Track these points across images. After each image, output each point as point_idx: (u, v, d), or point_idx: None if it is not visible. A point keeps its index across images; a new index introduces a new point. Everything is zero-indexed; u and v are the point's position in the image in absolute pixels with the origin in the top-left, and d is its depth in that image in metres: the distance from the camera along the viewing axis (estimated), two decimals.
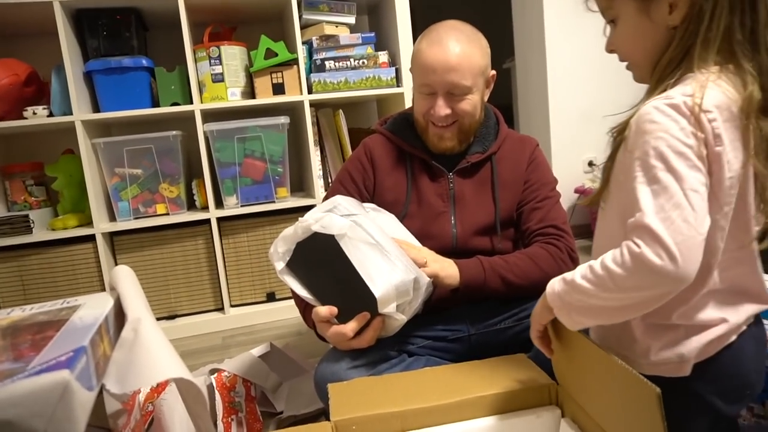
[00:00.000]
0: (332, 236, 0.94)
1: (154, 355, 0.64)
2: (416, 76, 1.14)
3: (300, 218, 0.99)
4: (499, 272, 1.08)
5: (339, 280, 0.96)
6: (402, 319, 0.96)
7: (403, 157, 1.23)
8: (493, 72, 1.18)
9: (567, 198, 2.68)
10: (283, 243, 1.00)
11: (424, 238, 1.15)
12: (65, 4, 1.74)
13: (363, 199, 1.21)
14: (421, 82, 1.12)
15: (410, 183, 1.21)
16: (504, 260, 1.11)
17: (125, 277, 0.80)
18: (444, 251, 1.17)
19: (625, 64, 0.81)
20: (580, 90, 2.69)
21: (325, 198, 1.26)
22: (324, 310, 0.98)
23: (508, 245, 1.22)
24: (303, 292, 1.01)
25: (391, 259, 0.94)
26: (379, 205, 1.20)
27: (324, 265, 0.97)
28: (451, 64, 1.07)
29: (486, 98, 1.19)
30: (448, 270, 1.07)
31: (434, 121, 1.13)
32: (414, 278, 0.94)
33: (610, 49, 0.81)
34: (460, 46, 1.08)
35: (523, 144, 1.24)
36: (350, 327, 0.97)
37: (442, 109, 1.11)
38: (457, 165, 1.20)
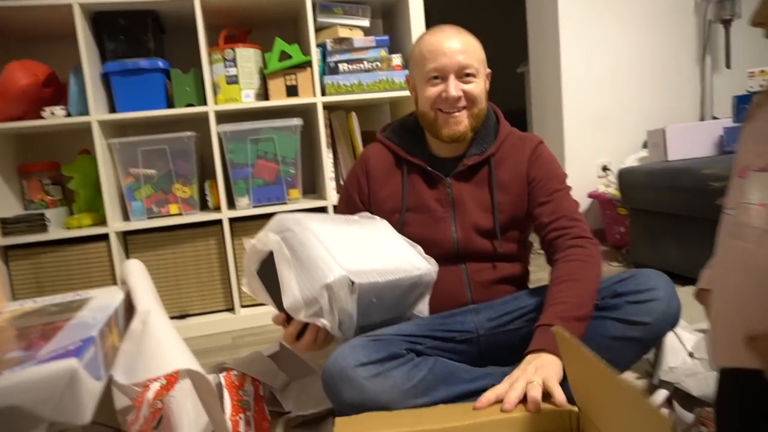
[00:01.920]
0: (272, 252, 1.02)
1: (162, 347, 0.64)
2: (422, 66, 1.16)
3: (254, 238, 1.08)
4: (571, 316, 1.00)
5: (279, 290, 1.04)
6: (324, 323, 0.96)
7: (399, 164, 1.24)
8: (489, 70, 1.21)
9: (581, 202, 2.66)
10: (248, 260, 1.10)
11: (425, 244, 1.15)
12: (84, 7, 1.77)
13: (362, 211, 1.25)
14: (430, 67, 1.14)
15: (406, 191, 1.21)
16: (563, 302, 1.02)
17: (136, 271, 0.81)
18: (446, 256, 1.17)
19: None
20: (594, 95, 2.67)
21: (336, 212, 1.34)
22: (277, 317, 1.06)
23: (512, 247, 1.20)
24: (268, 300, 1.08)
25: (307, 269, 0.97)
26: (378, 214, 1.22)
27: (273, 277, 1.05)
28: (460, 46, 1.13)
29: (486, 86, 1.20)
30: (548, 369, 0.92)
31: (446, 106, 1.14)
32: (325, 284, 0.93)
33: (758, 20, 0.69)
34: (462, 34, 1.16)
35: (523, 142, 1.22)
36: (289, 331, 1.02)
37: (456, 89, 1.13)
38: (454, 169, 1.20)
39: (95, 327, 0.63)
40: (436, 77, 1.14)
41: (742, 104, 1.99)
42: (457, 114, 1.15)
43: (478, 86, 1.15)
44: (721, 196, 0.87)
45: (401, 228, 1.20)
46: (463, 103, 1.14)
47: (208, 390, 0.70)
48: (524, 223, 1.23)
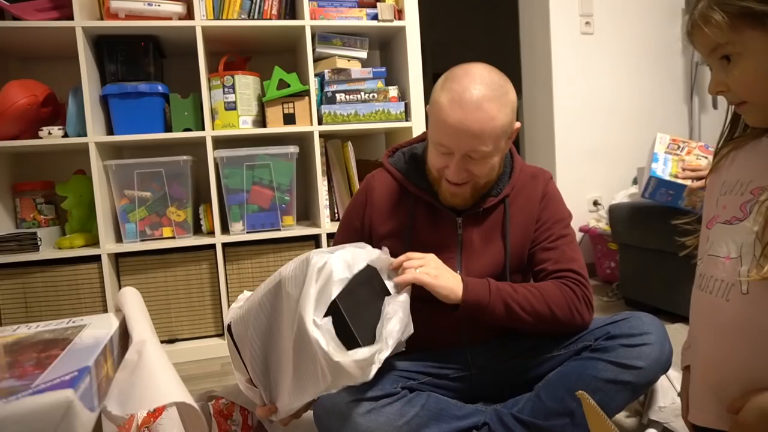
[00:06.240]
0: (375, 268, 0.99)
1: (156, 378, 0.64)
2: (433, 129, 1.04)
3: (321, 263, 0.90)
4: (504, 299, 1.01)
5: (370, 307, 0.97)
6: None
7: (406, 198, 1.15)
8: (518, 124, 1.07)
9: None
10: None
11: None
12: (87, 30, 1.79)
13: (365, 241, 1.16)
14: (437, 140, 1.03)
15: (410, 227, 1.14)
16: (513, 289, 1.04)
17: (132, 299, 0.81)
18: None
19: (732, 107, 0.75)
20: (586, 129, 2.73)
21: (334, 242, 1.25)
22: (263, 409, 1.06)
23: None
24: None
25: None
26: (378, 248, 1.13)
27: (364, 294, 0.97)
28: (473, 130, 0.97)
29: (507, 149, 1.10)
30: (447, 282, 1.00)
31: (448, 179, 1.07)
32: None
33: (719, 90, 0.73)
34: (484, 108, 0.98)
35: (535, 180, 1.16)
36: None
37: (458, 172, 1.03)
38: (467, 209, 1.12)
39: (91, 356, 0.63)
40: (443, 148, 1.03)
41: None
42: (458, 189, 1.07)
43: (488, 164, 1.04)
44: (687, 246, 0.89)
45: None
46: (465, 179, 1.05)
47: (197, 424, 0.70)
48: (528, 266, 1.17)
